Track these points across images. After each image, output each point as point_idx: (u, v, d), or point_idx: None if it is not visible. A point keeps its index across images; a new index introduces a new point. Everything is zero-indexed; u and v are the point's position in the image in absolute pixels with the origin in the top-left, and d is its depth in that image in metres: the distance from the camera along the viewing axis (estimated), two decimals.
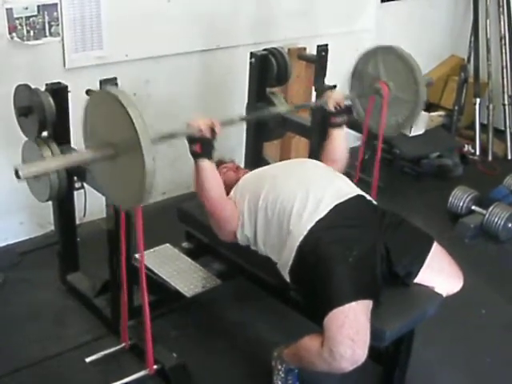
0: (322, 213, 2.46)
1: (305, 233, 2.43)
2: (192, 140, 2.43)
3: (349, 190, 2.61)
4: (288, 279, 2.51)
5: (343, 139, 2.91)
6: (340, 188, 2.60)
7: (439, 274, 2.55)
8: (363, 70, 3.12)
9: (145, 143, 1.95)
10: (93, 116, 2.18)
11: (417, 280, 2.51)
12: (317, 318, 2.34)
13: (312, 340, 2.36)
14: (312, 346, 2.35)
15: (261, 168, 2.85)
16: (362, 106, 3.23)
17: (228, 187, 2.72)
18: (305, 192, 2.52)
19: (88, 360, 2.77)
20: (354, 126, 3.38)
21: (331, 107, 2.87)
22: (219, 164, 2.95)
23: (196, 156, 2.46)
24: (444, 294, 2.55)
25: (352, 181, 2.72)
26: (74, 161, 2.19)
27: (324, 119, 3.46)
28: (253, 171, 2.82)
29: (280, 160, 4.19)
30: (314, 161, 2.83)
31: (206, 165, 2.47)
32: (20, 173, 1.96)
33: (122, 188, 2.15)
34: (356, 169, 3.32)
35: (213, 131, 2.44)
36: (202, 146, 2.44)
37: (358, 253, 2.37)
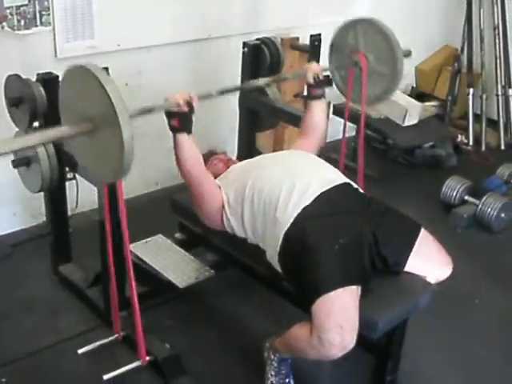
0: (308, 200, 2.46)
1: (291, 220, 2.43)
2: (170, 114, 2.44)
3: (335, 177, 2.62)
4: (279, 269, 2.51)
5: (322, 110, 2.94)
6: (326, 176, 2.60)
7: (428, 260, 2.55)
8: (342, 41, 3.12)
9: (122, 117, 1.94)
10: (69, 91, 2.17)
11: (406, 267, 2.51)
12: (305, 305, 2.34)
13: (301, 328, 2.36)
14: (301, 335, 2.35)
15: (249, 159, 2.85)
16: (341, 77, 3.24)
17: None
18: (291, 181, 2.52)
19: (80, 351, 2.77)
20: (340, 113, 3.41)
21: (310, 79, 2.88)
22: (211, 155, 2.95)
23: (174, 130, 2.46)
24: (433, 281, 2.54)
25: (339, 168, 2.72)
26: (52, 136, 2.17)
27: None
28: (241, 162, 2.81)
29: (273, 150, 4.21)
30: (301, 151, 2.83)
31: (184, 138, 2.47)
32: None
33: (101, 163, 2.15)
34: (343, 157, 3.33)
35: (190, 105, 2.44)
36: (179, 120, 2.44)
37: (344, 240, 2.37)
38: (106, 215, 2.52)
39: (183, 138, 2.46)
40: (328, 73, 3.08)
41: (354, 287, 2.31)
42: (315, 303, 2.27)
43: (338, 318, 2.24)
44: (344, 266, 2.34)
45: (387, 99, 3.12)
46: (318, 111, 2.92)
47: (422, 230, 2.58)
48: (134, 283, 2.36)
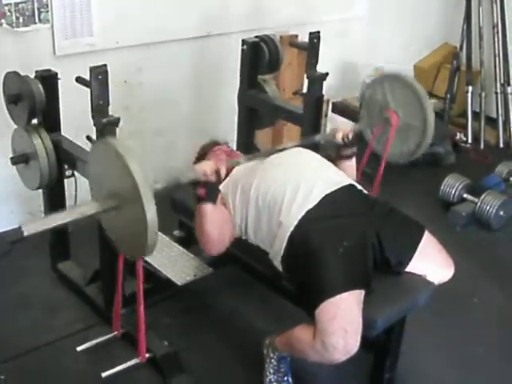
0: (313, 203, 2.45)
1: (295, 223, 2.42)
2: (196, 184, 2.42)
3: (339, 179, 2.61)
4: (280, 269, 2.50)
5: (351, 170, 2.87)
6: (330, 177, 2.59)
7: (430, 262, 2.55)
8: (371, 99, 3.09)
9: (145, 197, 1.92)
10: (96, 167, 2.18)
11: (408, 268, 2.51)
12: (308, 308, 2.34)
13: (304, 330, 2.36)
14: (304, 337, 2.34)
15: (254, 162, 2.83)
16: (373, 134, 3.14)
17: None
18: (295, 182, 2.51)
19: (79, 349, 2.77)
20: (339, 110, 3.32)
21: (340, 140, 2.82)
22: (213, 145, 2.94)
23: (200, 200, 2.45)
24: (435, 283, 2.55)
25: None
26: (79, 215, 2.10)
27: (316, 107, 3.48)
28: (246, 165, 2.79)
29: (273, 146, 4.20)
30: (306, 150, 2.82)
31: (209, 209, 2.46)
32: (23, 229, 1.98)
33: (128, 238, 2.13)
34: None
35: (218, 175, 2.42)
36: (206, 190, 2.42)
37: (348, 243, 2.37)
38: None
39: (208, 208, 2.45)
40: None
41: (357, 291, 2.31)
42: (319, 307, 2.27)
43: (342, 322, 2.24)
44: (348, 270, 2.34)
45: (421, 153, 3.08)
46: (348, 170, 2.83)
47: (426, 231, 2.58)
48: (141, 280, 2.34)
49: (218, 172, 2.41)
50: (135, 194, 1.93)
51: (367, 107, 3.13)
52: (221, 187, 2.55)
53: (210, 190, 2.43)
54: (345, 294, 2.27)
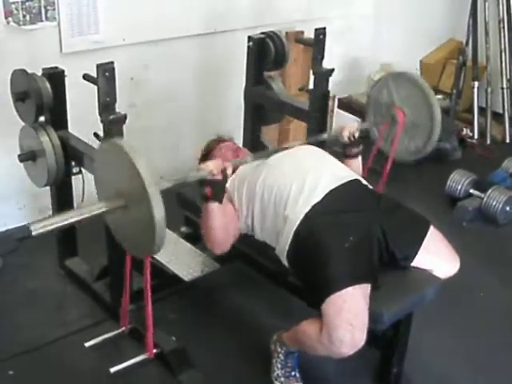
0: (318, 197, 2.46)
1: (301, 217, 2.43)
2: (203, 183, 2.42)
3: (345, 174, 2.62)
4: (286, 264, 2.51)
5: (357, 168, 2.88)
6: (336, 172, 2.60)
7: (436, 256, 2.55)
8: (377, 98, 3.10)
9: (153, 197, 1.94)
10: (103, 166, 2.20)
11: (414, 263, 2.52)
12: (315, 302, 2.34)
13: (311, 325, 2.37)
14: (311, 332, 2.35)
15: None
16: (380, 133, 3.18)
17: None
18: (301, 177, 2.52)
19: (87, 345, 2.78)
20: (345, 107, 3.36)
21: (346, 139, 2.83)
22: (219, 142, 2.94)
23: (206, 199, 2.46)
24: (441, 277, 2.55)
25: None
26: (87, 215, 2.12)
27: (322, 103, 3.48)
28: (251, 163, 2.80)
29: (278, 144, 4.21)
30: (311, 147, 2.82)
31: (215, 208, 2.47)
32: (31, 228, 1.99)
33: (133, 237, 2.15)
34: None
35: (224, 174, 2.43)
36: (212, 189, 2.43)
37: (355, 238, 2.38)
38: None
39: (214, 207, 2.46)
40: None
41: (364, 285, 2.32)
42: (325, 301, 2.28)
43: (349, 315, 2.24)
44: (354, 264, 2.34)
45: (428, 151, 3.07)
46: (354, 168, 2.83)
47: (431, 226, 2.58)
48: (148, 278, 2.36)
49: (224, 171, 2.42)
50: (143, 194, 1.94)
51: (373, 106, 3.14)
52: (227, 184, 2.56)
53: (216, 189, 2.43)
54: (351, 288, 2.28)
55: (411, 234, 2.54)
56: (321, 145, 2.87)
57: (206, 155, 2.91)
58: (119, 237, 2.28)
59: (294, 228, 2.43)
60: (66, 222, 2.10)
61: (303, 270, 2.46)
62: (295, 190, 2.49)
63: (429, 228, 2.57)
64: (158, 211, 1.93)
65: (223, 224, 2.54)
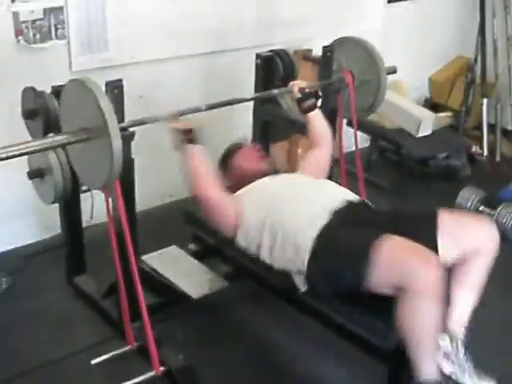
0: (325, 219, 2.48)
1: (312, 240, 2.44)
2: (179, 134, 2.56)
3: (347, 197, 2.65)
4: (301, 285, 2.51)
5: (320, 121, 3.02)
6: (338, 197, 2.63)
7: (458, 235, 2.45)
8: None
9: (112, 129, 2.17)
10: (68, 103, 2.38)
11: (444, 253, 2.41)
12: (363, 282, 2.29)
13: (401, 306, 2.26)
14: (404, 306, 2.25)
15: (260, 182, 2.83)
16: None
17: (241, 180, 2.78)
18: (307, 209, 2.55)
19: (94, 362, 2.77)
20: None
21: (297, 94, 2.99)
22: (240, 146, 3.00)
23: (190, 142, 2.55)
24: (485, 253, 2.46)
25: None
26: (50, 143, 2.35)
27: (330, 119, 3.48)
28: (253, 185, 2.81)
29: (287, 161, 4.21)
30: (306, 177, 2.86)
31: (200, 150, 2.54)
32: None
33: (94, 170, 2.34)
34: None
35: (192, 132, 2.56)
36: (190, 136, 2.54)
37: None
38: (111, 225, 2.59)
39: (198, 149, 2.55)
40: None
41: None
42: (375, 271, 2.24)
43: (401, 253, 2.23)
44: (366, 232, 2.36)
45: (379, 105, 3.41)
46: (317, 121, 2.98)
47: (442, 211, 2.51)
48: (141, 292, 2.39)
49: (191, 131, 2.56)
50: (104, 128, 2.18)
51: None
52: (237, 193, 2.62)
53: (193, 136, 2.53)
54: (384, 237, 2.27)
55: (423, 223, 2.48)
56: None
57: (226, 160, 2.98)
58: (79, 169, 2.48)
59: (309, 248, 2.43)
60: (30, 150, 2.31)
61: (331, 275, 2.41)
62: (304, 220, 2.50)
63: (437, 213, 2.49)
64: (116, 143, 2.17)
65: (209, 168, 2.57)
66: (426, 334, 2.28)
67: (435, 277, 2.20)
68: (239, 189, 2.78)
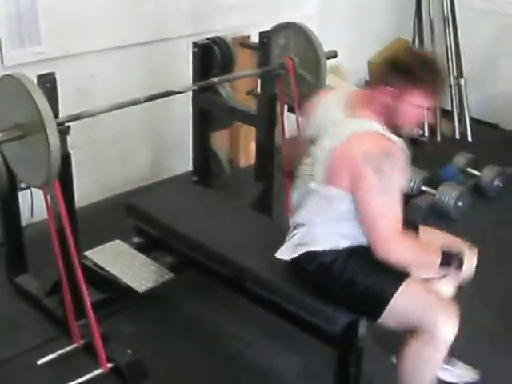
0: None
1: None
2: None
3: None
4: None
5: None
6: None
7: None
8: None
9: (49, 125, 2.14)
10: (1, 100, 2.34)
11: None
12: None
13: (411, 348, 2.38)
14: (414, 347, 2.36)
15: None
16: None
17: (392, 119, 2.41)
18: None
19: (40, 362, 2.71)
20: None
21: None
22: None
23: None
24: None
25: None
26: None
27: (270, 106, 3.47)
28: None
29: (229, 150, 4.19)
30: None
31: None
32: None
33: (31, 167, 2.32)
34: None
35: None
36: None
37: None
38: (51, 222, 2.54)
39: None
40: None
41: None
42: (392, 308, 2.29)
43: (424, 300, 2.32)
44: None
45: (324, 80, 3.45)
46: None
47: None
48: (85, 289, 2.39)
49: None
50: (40, 124, 2.15)
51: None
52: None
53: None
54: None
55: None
56: None
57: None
58: (16, 167, 2.47)
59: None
60: None
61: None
62: None
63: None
64: (53, 139, 2.16)
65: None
66: (429, 379, 2.42)
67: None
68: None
